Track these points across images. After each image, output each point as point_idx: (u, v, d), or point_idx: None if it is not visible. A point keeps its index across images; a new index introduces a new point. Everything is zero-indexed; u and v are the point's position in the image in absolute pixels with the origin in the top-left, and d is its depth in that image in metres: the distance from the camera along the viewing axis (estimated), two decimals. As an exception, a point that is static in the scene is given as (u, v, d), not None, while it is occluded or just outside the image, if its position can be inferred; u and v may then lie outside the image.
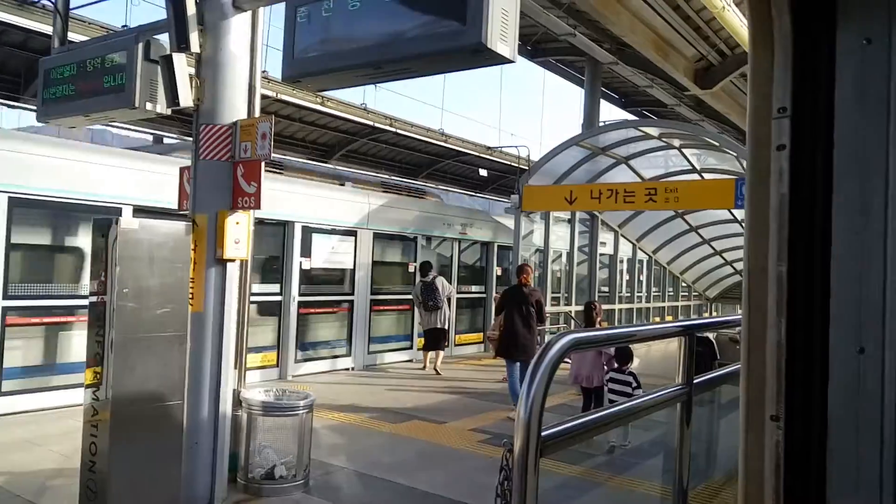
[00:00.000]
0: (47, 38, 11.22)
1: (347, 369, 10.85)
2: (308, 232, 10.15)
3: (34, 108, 13.43)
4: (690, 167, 13.28)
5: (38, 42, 11.84)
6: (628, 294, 18.32)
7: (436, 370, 10.96)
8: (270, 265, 9.84)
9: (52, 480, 5.10)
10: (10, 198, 6.86)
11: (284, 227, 9.87)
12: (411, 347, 12.27)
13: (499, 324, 8.49)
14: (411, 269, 12.37)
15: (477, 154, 21.38)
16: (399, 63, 3.79)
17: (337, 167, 16.73)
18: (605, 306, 16.14)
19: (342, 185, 11.97)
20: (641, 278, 19.24)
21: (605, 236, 16.14)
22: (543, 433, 1.87)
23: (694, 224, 17.08)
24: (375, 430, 7.14)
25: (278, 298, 9.85)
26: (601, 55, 16.58)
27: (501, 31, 3.43)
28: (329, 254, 10.66)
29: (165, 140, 18.46)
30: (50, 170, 7.18)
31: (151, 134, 17.50)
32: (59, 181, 7.23)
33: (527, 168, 13.30)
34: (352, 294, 11.02)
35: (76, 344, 7.59)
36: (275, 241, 9.80)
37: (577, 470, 5.80)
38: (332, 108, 15.97)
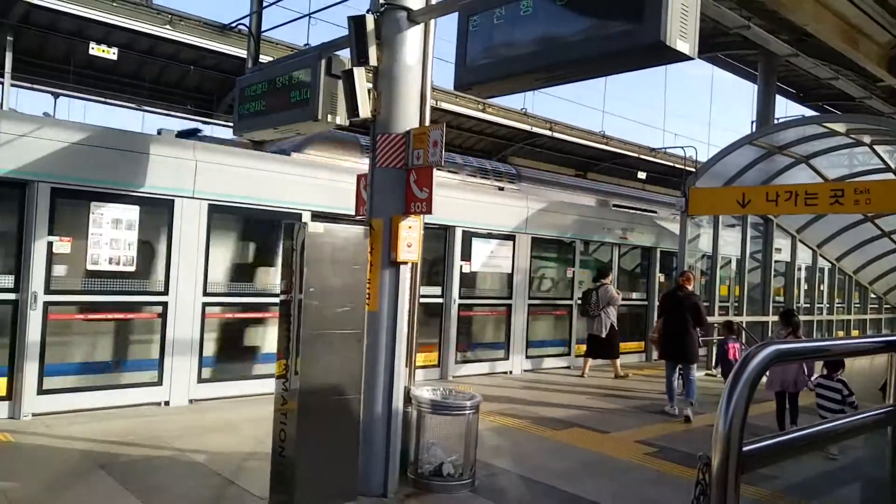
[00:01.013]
0: (235, 59, 12.47)
1: (506, 373, 10.93)
2: (468, 236, 10.36)
3: (224, 122, 14.95)
4: (884, 165, 11.95)
5: (229, 63, 13.13)
6: (807, 305, 16.84)
7: (616, 376, 11.01)
8: (432, 268, 10.15)
9: (247, 462, 5.60)
10: (209, 205, 7.64)
11: (445, 231, 10.16)
12: (570, 354, 12.12)
13: (658, 327, 9.08)
14: (569, 274, 12.23)
15: (637, 156, 20.70)
16: (571, 66, 3.79)
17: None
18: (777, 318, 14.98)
19: (501, 189, 12.07)
20: (822, 288, 17.61)
21: (781, 242, 14.95)
22: (745, 448, 1.77)
23: (887, 229, 15.35)
24: (537, 435, 7.13)
25: (440, 300, 10.14)
26: (777, 47, 15.41)
27: (681, 27, 3.32)
28: (488, 258, 10.81)
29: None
30: (241, 179, 7.91)
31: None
32: (249, 189, 7.95)
33: (693, 170, 12.66)
34: (510, 298, 11.08)
35: (262, 337, 8.32)
36: (436, 244, 10.11)
37: (755, 491, 5.42)
38: (492, 114, 16.21)
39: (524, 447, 6.64)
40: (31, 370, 6.54)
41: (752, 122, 17.69)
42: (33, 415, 6.53)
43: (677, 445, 6.98)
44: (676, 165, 20.49)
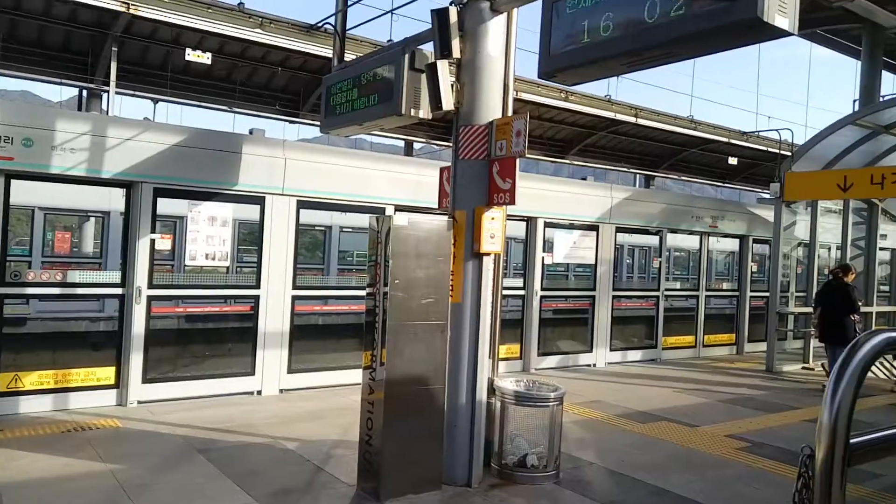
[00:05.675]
0: (320, 59, 12.79)
1: (589, 366, 10.77)
2: (550, 227, 10.26)
3: (310, 121, 15.38)
4: None
5: (314, 63, 13.48)
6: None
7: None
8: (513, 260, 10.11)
9: (334, 450, 5.76)
10: (297, 201, 7.89)
11: (527, 222, 10.09)
12: (656, 346, 11.81)
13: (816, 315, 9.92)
14: (656, 264, 11.91)
15: (728, 141, 19.86)
16: (660, 48, 3.67)
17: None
18: (885, 308, 14.09)
19: (584, 178, 11.88)
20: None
21: (887, 227, 14.05)
22: (852, 440, 1.67)
23: None
24: (622, 428, 6.99)
25: (521, 292, 10.10)
26: (884, 19, 14.39)
27: (780, 1, 3.16)
28: (570, 249, 10.67)
29: (415, 145, 19.90)
30: (327, 175, 8.11)
31: (403, 139, 18.98)
32: (334, 185, 8.15)
33: (788, 153, 12.02)
34: (593, 290, 10.91)
35: (345, 330, 8.54)
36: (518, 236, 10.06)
37: (857, 490, 5.13)
38: (575, 102, 15.94)
39: (609, 440, 6.53)
40: (136, 360, 6.96)
41: (855, 101, 16.62)
42: (138, 402, 6.95)
43: (771, 440, 6.69)
44: (770, 150, 19.54)
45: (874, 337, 1.76)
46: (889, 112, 11.21)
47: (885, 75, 17.33)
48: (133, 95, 13.57)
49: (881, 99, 15.16)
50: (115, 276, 7.06)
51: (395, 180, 8.60)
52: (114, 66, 12.11)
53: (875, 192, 10.72)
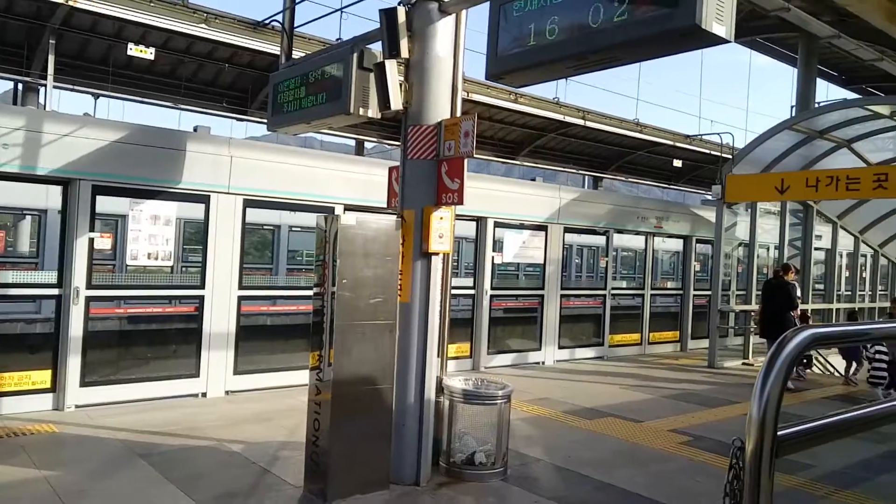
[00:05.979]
0: (269, 56, 12.60)
1: (538, 363, 10.90)
2: (500, 227, 10.34)
3: (258, 119, 15.12)
4: (929, 149, 11.60)
5: (262, 60, 13.27)
6: (848, 292, 16.46)
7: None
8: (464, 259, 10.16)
9: (281, 451, 5.69)
10: (244, 199, 7.74)
11: (477, 222, 10.15)
12: (603, 344, 12.03)
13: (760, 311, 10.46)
14: (602, 263, 12.13)
15: (673, 144, 20.38)
16: (604, 53, 3.74)
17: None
18: (821, 306, 14.67)
19: (533, 179, 12.02)
20: (864, 275, 17.21)
21: (822, 228, 14.63)
22: (780, 433, 1.74)
23: (933, 214, 14.91)
24: (569, 424, 7.10)
25: (472, 292, 10.16)
26: (818, 29, 14.98)
27: (717, 9, 3.27)
28: (520, 248, 10.78)
29: (366, 144, 19.77)
30: (274, 173, 7.99)
31: (354, 139, 18.86)
32: (282, 184, 8.04)
33: (729, 157, 12.40)
34: (542, 289, 11.04)
35: (294, 330, 8.43)
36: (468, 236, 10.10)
37: (790, 479, 5.34)
38: (524, 104, 16.10)
39: (556, 437, 6.63)
40: (73, 363, 6.73)
41: (792, 107, 17.29)
42: (76, 406, 6.73)
43: (712, 434, 6.89)
44: (713, 153, 20.13)
45: (800, 333, 1.83)
46: (823, 118, 11.70)
47: (820, 83, 18.09)
48: (72, 90, 13.12)
49: (816, 105, 15.80)
50: (52, 277, 6.81)
51: (344, 179, 8.53)
52: (51, 59, 11.69)
53: (810, 194, 11.17)
